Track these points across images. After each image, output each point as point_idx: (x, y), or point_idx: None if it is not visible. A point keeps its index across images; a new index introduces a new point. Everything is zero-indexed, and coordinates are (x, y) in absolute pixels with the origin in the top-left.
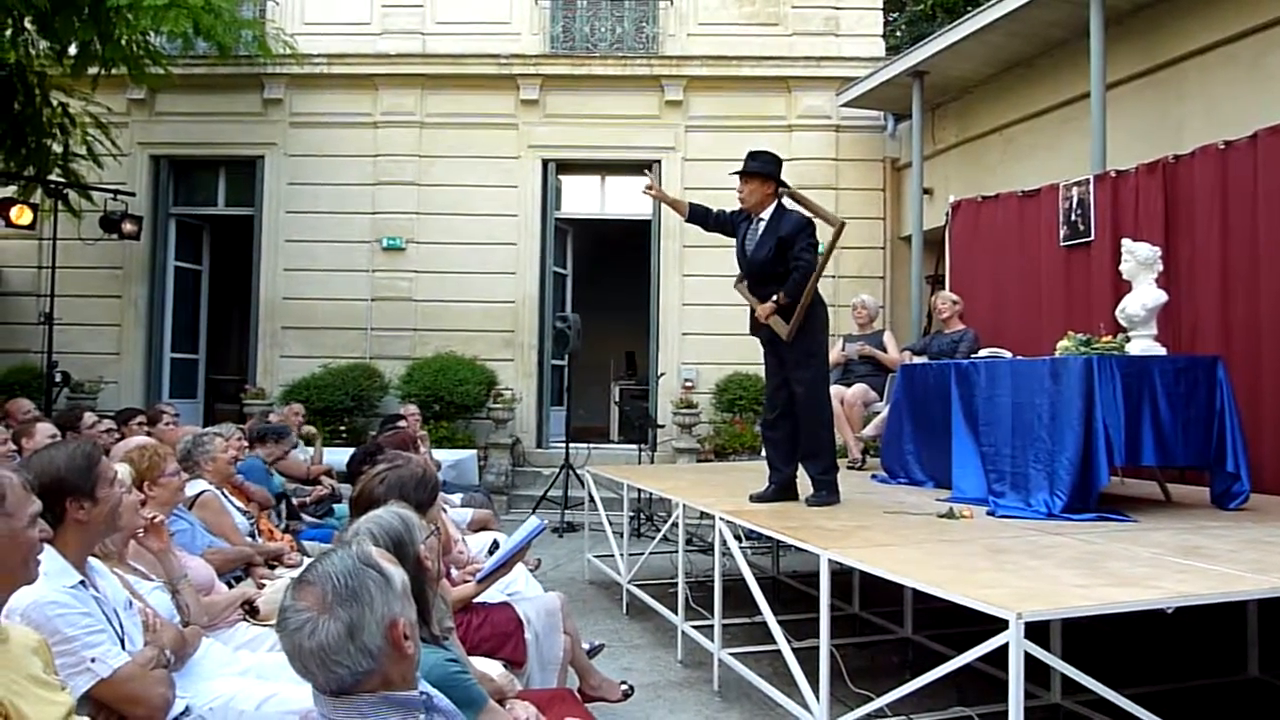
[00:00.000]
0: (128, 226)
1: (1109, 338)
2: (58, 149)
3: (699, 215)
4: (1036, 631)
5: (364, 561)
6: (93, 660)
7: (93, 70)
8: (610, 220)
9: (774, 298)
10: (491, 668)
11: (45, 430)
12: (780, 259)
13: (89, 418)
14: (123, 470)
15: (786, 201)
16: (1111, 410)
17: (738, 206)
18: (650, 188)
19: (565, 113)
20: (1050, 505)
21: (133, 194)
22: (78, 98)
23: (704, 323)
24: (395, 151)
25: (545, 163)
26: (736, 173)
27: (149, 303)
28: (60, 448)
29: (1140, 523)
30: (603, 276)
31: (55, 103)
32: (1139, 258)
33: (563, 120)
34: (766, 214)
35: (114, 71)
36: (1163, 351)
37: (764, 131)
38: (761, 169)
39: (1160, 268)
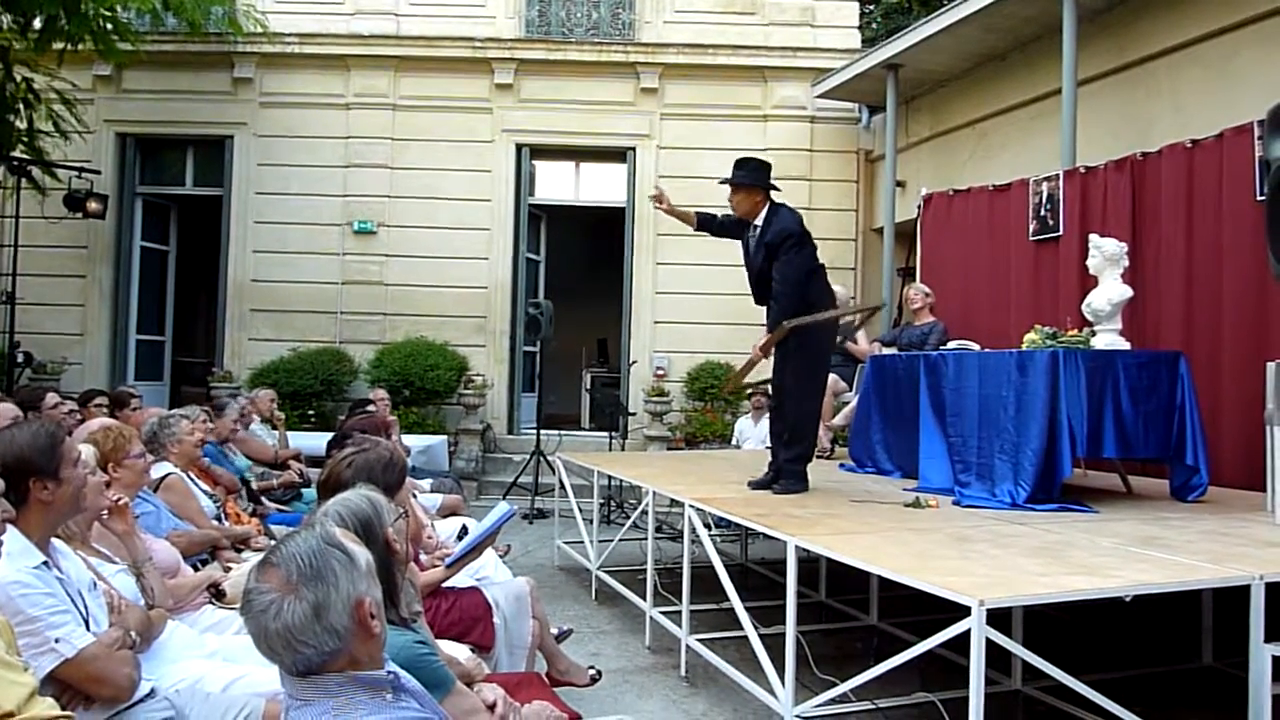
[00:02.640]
0: (93, 205)
1: (1075, 331)
2: (21, 125)
3: (706, 222)
4: (999, 618)
5: (328, 542)
6: (57, 640)
7: (58, 45)
8: (584, 207)
9: (784, 324)
10: (459, 651)
11: (7, 411)
12: (772, 267)
13: (51, 398)
14: (87, 451)
15: (777, 197)
16: (1075, 403)
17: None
18: (659, 200)
19: (540, 98)
20: (1014, 495)
21: (98, 172)
22: (43, 73)
23: (677, 311)
24: (367, 134)
25: (519, 148)
26: (725, 181)
27: (114, 283)
28: (23, 427)
29: (1102, 513)
30: (576, 263)
31: (19, 78)
32: (1106, 253)
33: (537, 105)
34: (760, 219)
35: (80, 47)
36: (1127, 346)
37: (739, 121)
38: (746, 179)
39: (1126, 263)
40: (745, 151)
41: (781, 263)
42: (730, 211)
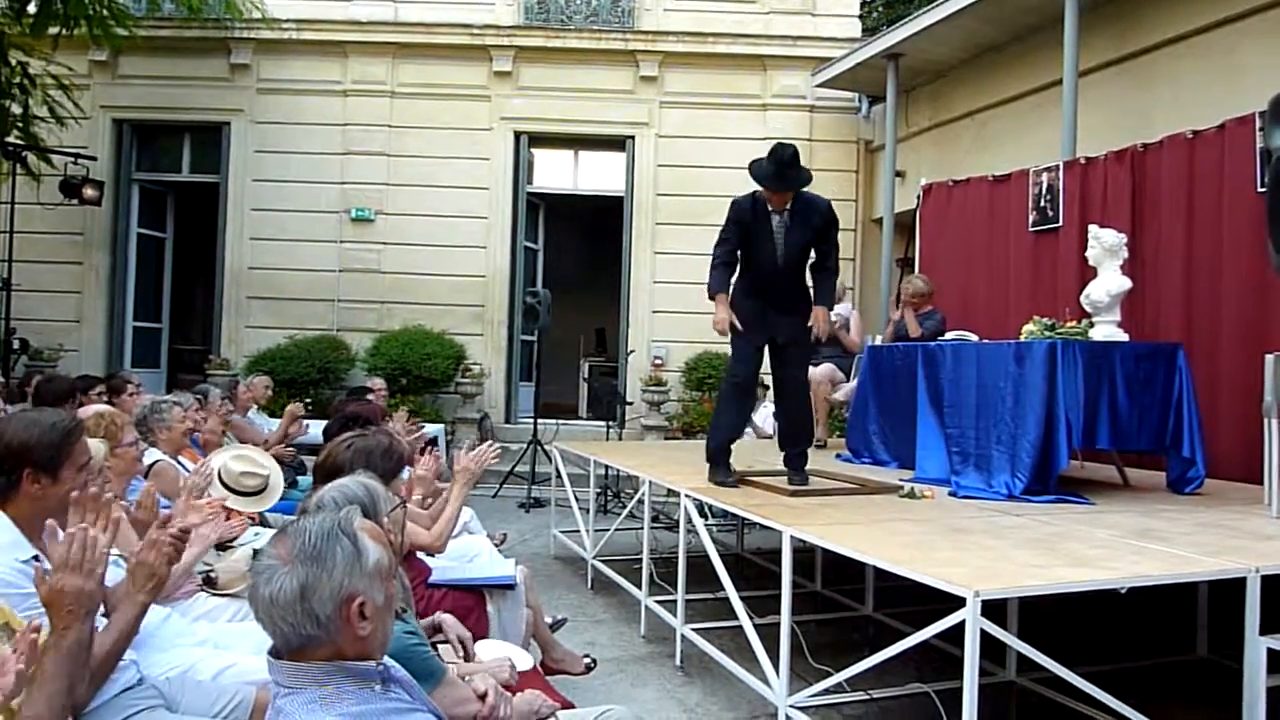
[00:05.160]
0: (89, 191)
1: (1073, 323)
2: (17, 110)
3: (727, 279)
4: (994, 610)
5: (342, 529)
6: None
7: (54, 30)
8: (582, 196)
9: (829, 311)
10: (495, 649)
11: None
12: (810, 249)
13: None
14: (95, 447)
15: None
16: (1072, 395)
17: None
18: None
19: (538, 85)
20: (1011, 487)
21: (94, 158)
22: (38, 58)
23: (675, 301)
24: (365, 121)
25: (517, 135)
26: (787, 185)
27: (111, 270)
28: (44, 415)
29: (1098, 505)
30: (574, 252)
31: (14, 62)
32: (1105, 244)
33: (536, 93)
34: (787, 206)
35: (76, 31)
36: (1125, 338)
37: (738, 110)
38: (805, 178)
39: (1126, 255)
40: (744, 140)
41: (832, 245)
42: (728, 243)
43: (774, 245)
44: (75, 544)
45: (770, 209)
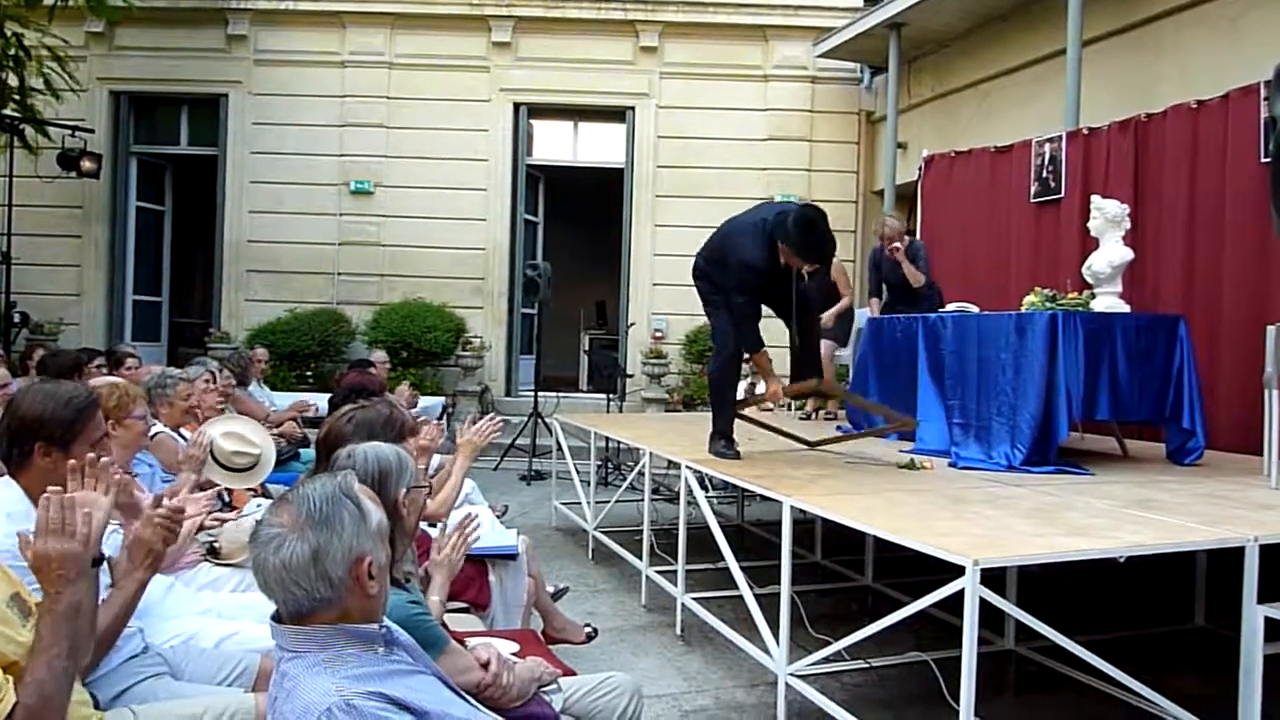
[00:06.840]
0: (86, 164)
1: (1074, 294)
2: (13, 82)
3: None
4: (993, 579)
5: (344, 492)
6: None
7: (49, 1)
8: (582, 168)
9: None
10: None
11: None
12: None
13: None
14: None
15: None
16: (1073, 366)
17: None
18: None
19: (538, 56)
20: (1010, 457)
21: (91, 131)
22: (34, 29)
23: (675, 273)
24: (363, 92)
25: (517, 106)
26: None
27: (110, 243)
28: (61, 388)
29: (1097, 476)
30: (574, 225)
31: (10, 34)
32: (1107, 215)
33: (535, 64)
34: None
35: (71, 2)
36: (1126, 309)
37: (739, 81)
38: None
39: (1128, 225)
40: (744, 111)
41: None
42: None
43: (787, 286)
44: (53, 507)
45: (783, 265)
